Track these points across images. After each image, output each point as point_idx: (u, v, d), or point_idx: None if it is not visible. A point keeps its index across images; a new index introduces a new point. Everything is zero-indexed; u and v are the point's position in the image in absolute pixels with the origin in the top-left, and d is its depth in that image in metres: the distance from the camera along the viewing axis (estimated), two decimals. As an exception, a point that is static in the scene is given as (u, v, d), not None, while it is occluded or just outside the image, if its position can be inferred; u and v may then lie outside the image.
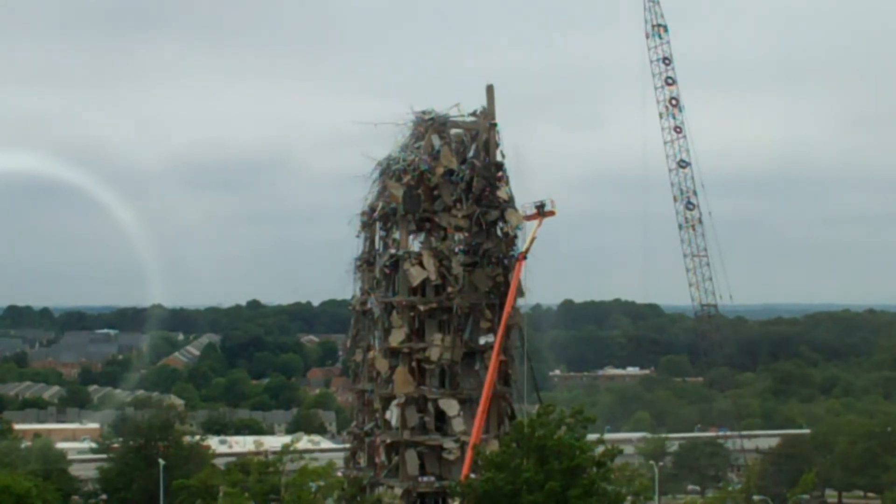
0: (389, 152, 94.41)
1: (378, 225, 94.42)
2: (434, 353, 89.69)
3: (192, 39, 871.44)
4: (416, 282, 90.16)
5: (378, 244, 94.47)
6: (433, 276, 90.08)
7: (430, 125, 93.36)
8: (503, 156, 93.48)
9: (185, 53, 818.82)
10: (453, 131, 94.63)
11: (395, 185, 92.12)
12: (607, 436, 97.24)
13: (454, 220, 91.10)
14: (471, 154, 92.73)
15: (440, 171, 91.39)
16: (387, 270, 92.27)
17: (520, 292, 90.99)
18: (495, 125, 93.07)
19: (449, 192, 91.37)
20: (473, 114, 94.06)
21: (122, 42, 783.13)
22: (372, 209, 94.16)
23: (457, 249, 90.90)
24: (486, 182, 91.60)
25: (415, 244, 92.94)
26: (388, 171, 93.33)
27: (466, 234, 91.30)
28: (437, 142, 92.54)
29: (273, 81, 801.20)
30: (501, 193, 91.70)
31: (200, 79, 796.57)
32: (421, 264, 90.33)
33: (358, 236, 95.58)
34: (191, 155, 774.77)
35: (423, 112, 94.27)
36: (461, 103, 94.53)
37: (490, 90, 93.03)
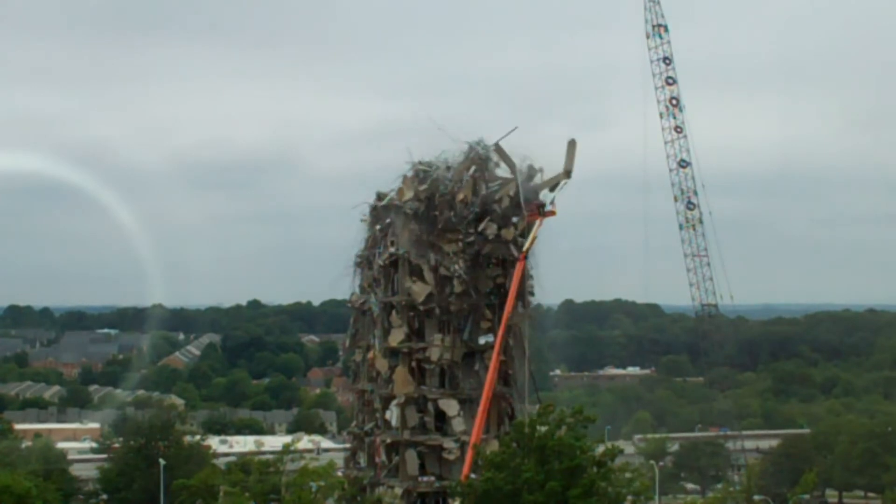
0: (423, 158, 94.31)
1: (379, 225, 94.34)
2: (434, 354, 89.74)
3: (196, 39, 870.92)
4: (420, 298, 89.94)
5: (379, 243, 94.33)
6: (435, 291, 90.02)
7: (474, 157, 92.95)
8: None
9: (189, 53, 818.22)
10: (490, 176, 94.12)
11: (410, 184, 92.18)
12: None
13: (451, 247, 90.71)
14: (488, 191, 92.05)
15: (460, 197, 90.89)
16: (381, 264, 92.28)
17: (521, 293, 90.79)
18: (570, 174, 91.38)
19: (453, 220, 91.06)
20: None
21: (126, 42, 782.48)
22: (380, 197, 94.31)
23: (456, 273, 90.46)
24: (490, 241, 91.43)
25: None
26: (414, 171, 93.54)
27: (461, 262, 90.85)
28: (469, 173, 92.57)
29: (277, 81, 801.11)
30: (507, 234, 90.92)
31: (204, 78, 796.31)
32: (422, 277, 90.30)
33: (363, 220, 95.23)
34: (192, 155, 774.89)
35: (478, 142, 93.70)
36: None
37: (572, 145, 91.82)
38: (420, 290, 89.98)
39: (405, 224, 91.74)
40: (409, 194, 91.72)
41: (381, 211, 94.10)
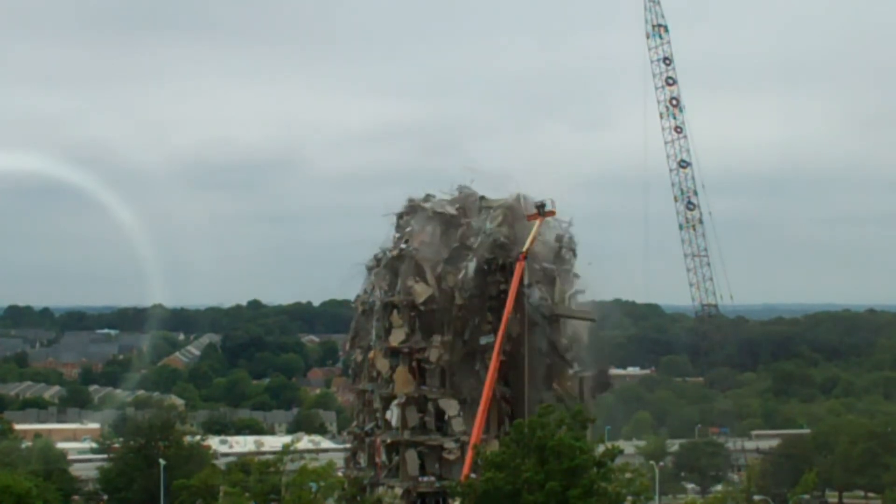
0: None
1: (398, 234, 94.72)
2: (434, 354, 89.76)
3: (197, 39, 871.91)
4: (421, 299, 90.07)
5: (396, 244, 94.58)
6: (437, 294, 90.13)
7: (510, 207, 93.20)
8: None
9: (189, 53, 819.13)
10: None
11: (448, 201, 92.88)
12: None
13: (452, 278, 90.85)
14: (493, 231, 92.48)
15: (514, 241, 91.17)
16: (388, 258, 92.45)
17: (521, 293, 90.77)
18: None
19: (456, 246, 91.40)
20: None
21: (126, 42, 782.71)
22: (410, 201, 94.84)
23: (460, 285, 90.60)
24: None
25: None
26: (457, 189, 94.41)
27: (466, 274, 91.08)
28: (489, 213, 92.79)
29: (277, 81, 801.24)
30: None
31: (204, 78, 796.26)
32: (424, 279, 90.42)
33: (393, 213, 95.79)
34: (193, 155, 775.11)
35: (520, 196, 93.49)
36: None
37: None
38: (422, 291, 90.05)
39: (423, 226, 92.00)
40: (440, 205, 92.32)
41: (407, 215, 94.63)
